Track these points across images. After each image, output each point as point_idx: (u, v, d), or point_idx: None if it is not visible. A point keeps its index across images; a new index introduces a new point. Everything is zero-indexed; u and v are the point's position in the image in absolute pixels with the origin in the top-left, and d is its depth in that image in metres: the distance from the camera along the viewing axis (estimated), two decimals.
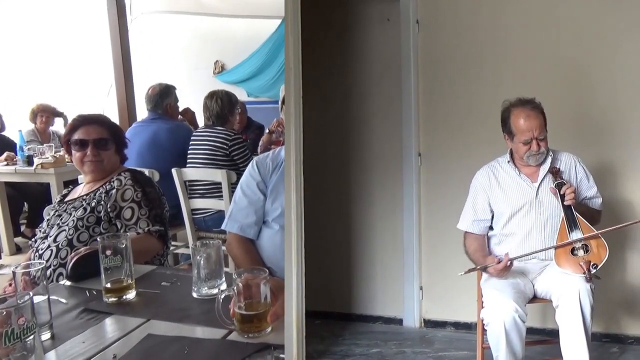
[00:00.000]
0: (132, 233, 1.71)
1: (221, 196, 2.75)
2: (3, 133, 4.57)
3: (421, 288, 2.59)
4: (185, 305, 1.29)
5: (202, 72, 5.71)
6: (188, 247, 3.07)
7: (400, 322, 2.63)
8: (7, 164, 4.01)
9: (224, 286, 1.34)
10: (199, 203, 2.88)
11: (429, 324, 2.60)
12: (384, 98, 2.59)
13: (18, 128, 4.31)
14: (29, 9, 5.71)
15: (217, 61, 5.88)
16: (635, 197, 2.26)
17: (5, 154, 4.10)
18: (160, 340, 1.11)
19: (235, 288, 1.12)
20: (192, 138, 3.00)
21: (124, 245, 1.33)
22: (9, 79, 5.54)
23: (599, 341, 2.29)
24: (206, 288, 1.34)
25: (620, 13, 2.24)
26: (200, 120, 3.64)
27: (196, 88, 4.64)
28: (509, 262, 1.73)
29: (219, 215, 2.83)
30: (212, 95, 3.02)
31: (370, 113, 2.63)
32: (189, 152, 2.97)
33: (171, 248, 2.80)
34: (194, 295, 1.34)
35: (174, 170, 2.82)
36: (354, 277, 2.71)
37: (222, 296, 1.13)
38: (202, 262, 1.34)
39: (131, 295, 1.35)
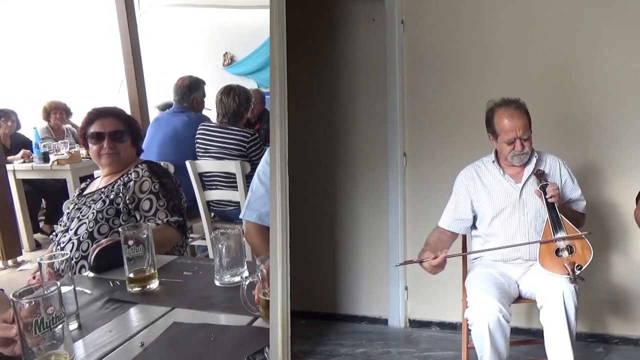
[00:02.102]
0: (152, 224, 1.72)
1: (236, 187, 2.75)
2: (19, 131, 4.63)
3: (406, 288, 2.58)
4: (209, 294, 1.30)
5: (212, 64, 5.70)
6: (204, 239, 3.09)
7: (385, 322, 2.62)
8: (24, 162, 4.07)
9: (246, 274, 1.34)
10: (215, 195, 2.88)
11: (414, 324, 2.58)
12: (370, 98, 2.58)
13: (33, 126, 4.36)
14: (39, 7, 5.74)
15: (226, 53, 5.87)
16: (619, 198, 2.24)
17: (21, 152, 4.16)
18: (186, 328, 1.11)
19: (259, 274, 1.12)
20: (202, 133, 2.93)
21: (145, 235, 1.33)
22: (22, 77, 5.59)
23: (584, 341, 2.28)
24: (228, 276, 1.34)
25: (604, 13, 2.22)
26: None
27: (206, 80, 4.63)
28: (444, 259, 1.71)
29: (238, 211, 2.83)
30: (229, 92, 2.91)
31: (356, 113, 2.62)
32: (200, 146, 2.93)
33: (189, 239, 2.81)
34: (217, 283, 1.35)
35: (188, 163, 2.82)
36: (339, 277, 2.70)
37: (247, 283, 1.13)
38: (223, 250, 1.34)
39: (154, 284, 1.35)
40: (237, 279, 1.33)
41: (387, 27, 2.47)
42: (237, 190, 2.75)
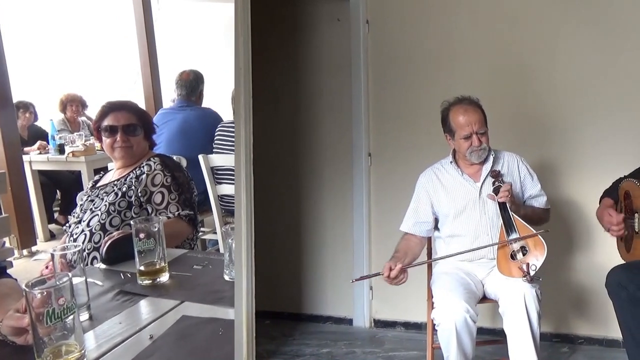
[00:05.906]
0: (163, 217, 1.73)
1: None
2: (36, 123, 4.70)
3: (371, 288, 2.57)
4: (218, 288, 1.30)
5: (228, 60, 5.71)
6: (215, 233, 3.10)
7: (350, 322, 2.62)
8: (40, 153, 4.13)
9: None
10: (226, 189, 2.89)
11: (379, 324, 2.58)
12: (334, 98, 2.57)
13: (49, 118, 4.42)
14: (57, 0, 5.80)
15: None
16: (577, 195, 2.24)
17: (38, 143, 4.22)
18: (195, 322, 1.12)
19: None
20: (218, 131, 2.97)
21: (156, 229, 1.34)
22: (39, 70, 5.67)
23: (549, 341, 2.28)
24: None
25: (563, 14, 2.22)
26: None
27: (221, 76, 4.65)
28: (400, 271, 1.70)
29: None
30: None
31: (320, 113, 2.61)
32: (216, 143, 2.96)
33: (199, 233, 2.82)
34: (226, 277, 1.35)
35: (200, 157, 2.83)
36: (304, 277, 2.70)
37: None
38: (233, 245, 1.34)
39: (164, 277, 1.36)
40: None
41: (351, 27, 2.47)
42: None
